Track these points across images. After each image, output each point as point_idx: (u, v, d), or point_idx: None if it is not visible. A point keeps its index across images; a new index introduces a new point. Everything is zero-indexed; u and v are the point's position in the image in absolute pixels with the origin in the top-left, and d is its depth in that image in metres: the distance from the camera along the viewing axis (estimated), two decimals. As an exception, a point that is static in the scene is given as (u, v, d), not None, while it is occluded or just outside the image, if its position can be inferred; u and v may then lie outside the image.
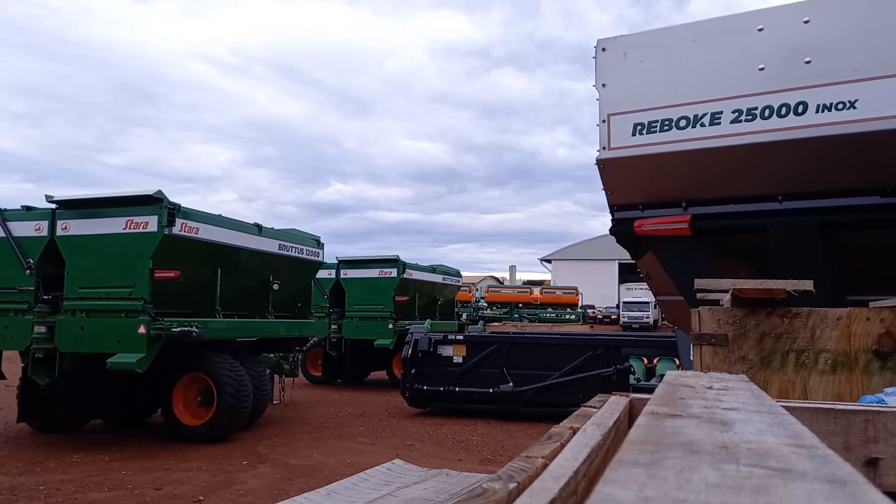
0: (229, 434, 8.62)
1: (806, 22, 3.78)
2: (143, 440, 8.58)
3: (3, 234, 8.47)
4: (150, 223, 7.93)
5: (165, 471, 7.04)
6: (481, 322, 33.50)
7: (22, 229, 8.49)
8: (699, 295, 3.14)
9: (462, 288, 23.79)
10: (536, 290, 44.89)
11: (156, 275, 7.90)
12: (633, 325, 38.42)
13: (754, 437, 0.76)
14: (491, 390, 10.47)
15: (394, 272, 14.74)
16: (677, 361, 9.42)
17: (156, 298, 7.95)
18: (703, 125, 4.03)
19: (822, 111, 3.70)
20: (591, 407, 1.44)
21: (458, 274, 18.67)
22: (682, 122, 4.09)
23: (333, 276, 15.04)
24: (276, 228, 10.33)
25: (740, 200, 4.17)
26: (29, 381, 8.44)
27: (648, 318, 39.69)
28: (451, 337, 11.45)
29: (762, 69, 3.88)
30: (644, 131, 4.20)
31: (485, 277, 69.32)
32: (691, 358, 3.11)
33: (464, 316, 32.35)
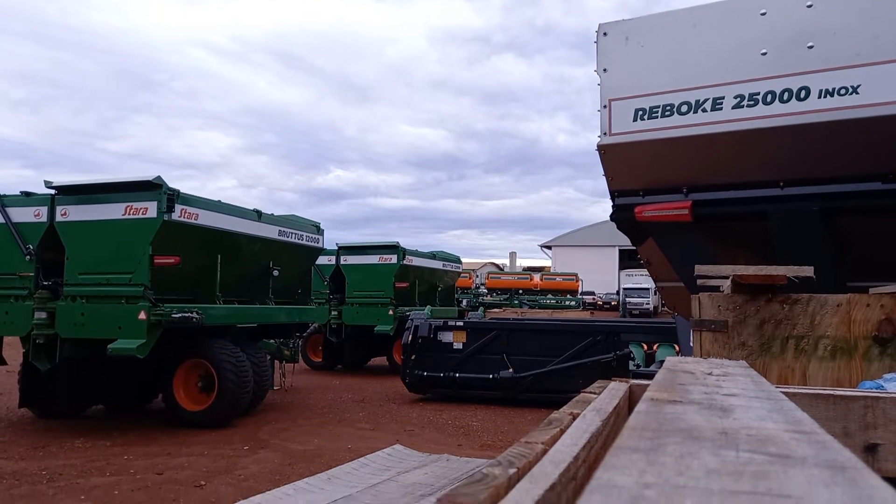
0: (230, 420, 8.66)
1: (809, 6, 3.75)
2: (145, 426, 8.62)
3: (3, 220, 8.46)
4: (150, 209, 7.91)
5: (167, 456, 7.08)
6: (481, 308, 33.59)
7: (21, 215, 8.47)
8: (699, 281, 3.14)
9: (462, 274, 23.80)
10: (536, 277, 44.92)
11: (156, 261, 7.90)
12: (634, 312, 38.51)
13: (754, 423, 0.75)
14: (491, 376, 10.50)
15: (394, 258, 14.74)
16: (677, 347, 9.44)
17: (156, 284, 7.96)
18: (704, 110, 4.01)
19: (825, 96, 3.68)
20: (590, 393, 1.44)
21: (458, 260, 18.67)
22: (684, 108, 4.07)
23: (333, 262, 15.04)
24: (275, 215, 10.31)
25: (741, 186, 4.16)
26: (30, 366, 8.46)
27: (649, 304, 39.76)
28: (451, 323, 11.47)
29: (764, 54, 3.86)
30: (645, 117, 4.18)
31: (485, 264, 69.35)
32: (691, 344, 3.11)
33: (464, 302, 32.41)
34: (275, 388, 10.98)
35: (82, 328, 8.04)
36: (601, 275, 50.40)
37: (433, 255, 16.88)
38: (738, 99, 3.90)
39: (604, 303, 45.51)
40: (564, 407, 1.25)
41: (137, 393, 9.56)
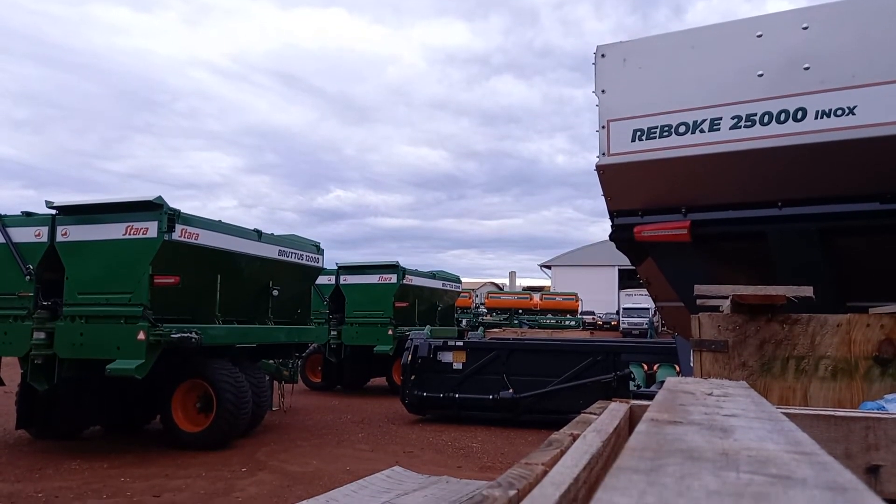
0: (228, 441, 8.59)
1: (805, 28, 3.79)
2: (142, 447, 8.55)
3: (3, 240, 8.47)
4: (150, 229, 7.92)
5: (164, 478, 7.02)
6: (481, 328, 33.46)
7: (22, 235, 8.48)
8: (699, 301, 3.14)
9: (462, 294, 23.76)
10: (536, 296, 44.81)
11: (155, 281, 7.89)
12: (633, 332, 38.39)
13: (754, 444, 0.75)
14: (491, 397, 10.45)
15: (393, 278, 14.73)
16: (677, 368, 9.42)
17: (155, 304, 7.94)
18: (702, 131, 4.04)
19: (821, 117, 3.71)
20: (591, 413, 1.43)
21: (457, 280, 18.65)
22: (682, 128, 4.10)
23: (333, 282, 15.03)
24: (276, 234, 10.33)
25: (740, 206, 4.17)
26: (28, 387, 8.42)
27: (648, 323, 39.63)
28: (450, 343, 11.43)
29: (761, 75, 3.90)
30: (643, 137, 4.21)
31: (485, 283, 69.25)
32: (691, 364, 3.10)
33: (463, 322, 32.29)
34: (273, 408, 10.91)
35: (81, 348, 8.01)
36: (601, 294, 50.34)
37: (433, 275, 16.86)
38: (736, 120, 3.94)
39: (603, 322, 45.38)
40: (565, 428, 1.24)
41: (135, 414, 9.50)
